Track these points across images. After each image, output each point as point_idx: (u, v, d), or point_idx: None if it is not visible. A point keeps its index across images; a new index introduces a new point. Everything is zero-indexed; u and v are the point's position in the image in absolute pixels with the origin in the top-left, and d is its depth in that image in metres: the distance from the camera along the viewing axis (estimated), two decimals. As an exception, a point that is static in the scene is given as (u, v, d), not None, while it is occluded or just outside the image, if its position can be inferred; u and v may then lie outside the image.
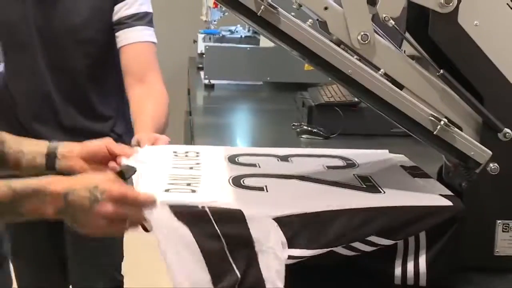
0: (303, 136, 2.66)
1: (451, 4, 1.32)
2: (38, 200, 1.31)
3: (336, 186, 1.48)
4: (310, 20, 1.41)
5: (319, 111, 2.70)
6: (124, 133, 2.51)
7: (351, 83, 1.35)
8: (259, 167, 1.65)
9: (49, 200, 1.31)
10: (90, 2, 2.36)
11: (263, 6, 1.27)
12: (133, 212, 1.29)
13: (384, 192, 1.45)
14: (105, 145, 1.62)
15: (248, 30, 4.10)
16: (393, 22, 1.37)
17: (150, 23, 2.39)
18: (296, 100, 3.08)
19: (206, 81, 3.75)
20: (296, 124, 2.74)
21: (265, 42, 3.71)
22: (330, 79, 1.64)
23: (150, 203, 1.26)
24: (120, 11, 2.35)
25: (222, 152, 1.75)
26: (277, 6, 1.30)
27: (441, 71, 1.35)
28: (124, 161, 1.56)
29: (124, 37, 2.35)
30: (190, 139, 2.75)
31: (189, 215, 1.24)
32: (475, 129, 1.41)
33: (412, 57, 1.45)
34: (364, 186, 1.49)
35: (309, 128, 2.67)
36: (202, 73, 3.86)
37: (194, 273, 1.25)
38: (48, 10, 2.35)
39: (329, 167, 1.67)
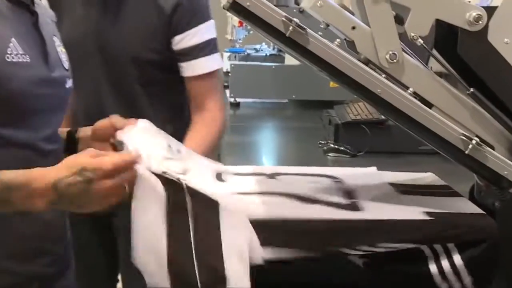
0: (330, 154, 2.64)
1: (480, 22, 1.30)
2: (26, 194, 1.32)
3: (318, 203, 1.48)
4: (338, 40, 1.40)
5: (346, 129, 2.68)
6: None
7: (380, 102, 1.33)
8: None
9: (37, 194, 1.31)
10: (150, 28, 2.32)
11: (291, 27, 1.26)
12: (127, 175, 1.31)
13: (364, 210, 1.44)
14: (111, 122, 1.60)
15: (273, 48, 4.11)
16: (422, 41, 1.35)
17: (214, 49, 2.34)
18: (322, 118, 3.06)
19: (232, 100, 3.74)
20: (322, 142, 2.72)
21: (290, 60, 3.71)
22: (356, 96, 1.63)
23: (138, 159, 1.32)
24: (183, 41, 2.30)
25: (211, 168, 1.71)
26: (305, 27, 1.28)
27: (471, 89, 1.33)
28: (120, 135, 1.54)
29: (188, 68, 2.33)
30: (217, 158, 2.74)
31: (166, 181, 1.28)
32: (507, 148, 1.38)
33: (439, 74, 1.43)
34: (348, 203, 1.48)
35: (336, 146, 2.65)
36: (227, 91, 3.84)
37: (152, 241, 1.29)
38: (108, 30, 2.36)
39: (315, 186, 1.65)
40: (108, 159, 1.33)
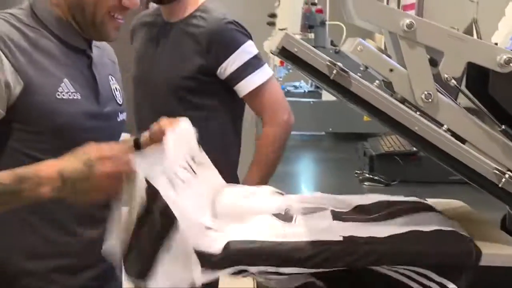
0: (365, 183, 2.64)
1: (511, 64, 1.28)
2: (35, 182, 1.33)
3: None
4: (377, 82, 1.39)
5: (380, 160, 2.67)
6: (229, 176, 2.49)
7: (417, 138, 1.32)
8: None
9: (45, 182, 1.33)
10: (196, 60, 2.39)
11: (335, 71, 1.26)
12: (125, 167, 1.35)
13: None
14: (159, 125, 1.57)
15: (311, 85, 4.12)
16: (455, 82, 1.34)
17: (256, 66, 2.40)
18: (357, 149, 3.05)
19: (275, 132, 3.74)
20: (358, 172, 2.72)
21: (327, 96, 3.72)
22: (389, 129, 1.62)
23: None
24: (226, 70, 2.38)
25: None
26: (347, 70, 1.28)
27: (503, 126, 1.31)
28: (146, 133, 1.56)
29: (239, 90, 2.41)
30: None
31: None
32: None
33: (468, 109, 1.41)
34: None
35: (371, 176, 2.64)
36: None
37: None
38: (155, 64, 2.49)
39: None
40: (108, 147, 1.39)
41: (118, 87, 1.77)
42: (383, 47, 1.56)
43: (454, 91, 1.43)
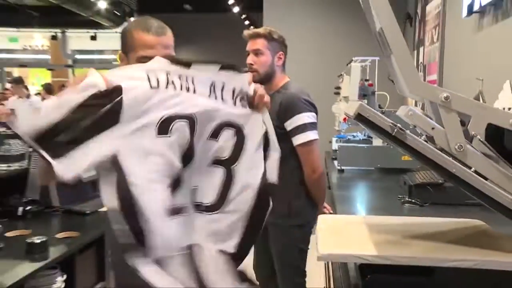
0: (405, 205, 2.59)
1: (519, 125, 1.26)
2: None
3: None
4: (424, 136, 1.38)
5: (416, 188, 2.62)
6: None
7: (453, 177, 1.31)
8: None
9: None
10: (274, 115, 2.33)
11: (396, 129, 1.26)
12: None
13: None
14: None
15: (364, 135, 4.10)
16: (479, 137, 1.32)
17: (305, 129, 2.43)
18: (399, 180, 2.99)
19: (339, 167, 3.74)
20: (400, 196, 2.67)
21: (376, 142, 3.71)
22: (420, 165, 1.60)
23: None
24: (289, 125, 2.44)
25: None
26: (404, 129, 1.28)
27: (516, 169, 1.28)
28: None
29: (294, 140, 2.45)
30: (331, 206, 2.74)
31: None
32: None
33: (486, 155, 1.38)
34: None
35: (409, 199, 2.59)
36: (335, 162, 3.87)
37: None
38: None
39: None
40: None
41: None
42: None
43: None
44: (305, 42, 5.73)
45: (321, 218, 1.73)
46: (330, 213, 2.63)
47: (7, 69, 16.11)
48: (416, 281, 1.37)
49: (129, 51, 1.52)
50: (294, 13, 5.90)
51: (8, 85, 12.38)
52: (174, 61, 1.38)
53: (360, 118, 1.27)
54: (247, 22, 9.62)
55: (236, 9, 9.07)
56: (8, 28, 14.27)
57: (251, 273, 1.50)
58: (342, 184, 3.44)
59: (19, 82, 8.02)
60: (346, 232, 1.54)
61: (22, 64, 15.80)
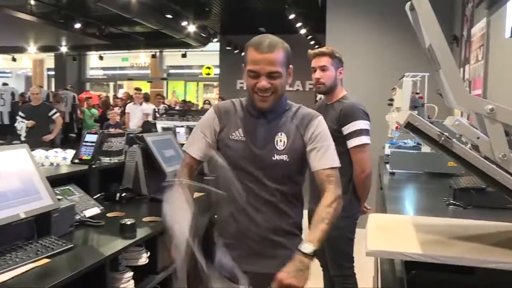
0: (450, 207, 2.40)
1: None
2: None
3: None
4: (469, 145, 1.26)
5: (460, 191, 2.43)
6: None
7: (497, 184, 1.18)
8: None
9: None
10: (334, 122, 2.46)
11: (443, 138, 1.14)
12: None
13: None
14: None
15: (414, 142, 3.90)
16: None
17: (358, 135, 2.45)
18: (445, 184, 2.80)
19: (390, 170, 3.56)
20: (445, 199, 2.49)
21: (425, 149, 3.51)
22: (464, 171, 1.46)
23: None
24: (347, 130, 2.46)
25: None
26: (451, 137, 1.16)
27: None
28: None
29: (348, 144, 2.49)
30: (381, 205, 2.62)
31: None
32: None
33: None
34: None
35: (454, 202, 2.41)
36: (387, 165, 3.69)
37: None
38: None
39: None
40: None
41: (282, 139, 1.58)
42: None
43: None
44: (363, 59, 5.58)
45: (371, 216, 1.63)
46: (368, 209, 2.69)
47: (119, 82, 16.93)
48: (457, 279, 1.25)
49: (245, 65, 1.57)
50: (353, 33, 5.78)
51: (119, 94, 12.95)
52: None
53: (409, 126, 1.18)
54: (312, 42, 9.51)
55: (303, 31, 9.00)
56: (121, 50, 15.00)
57: None
58: (393, 186, 3.27)
59: (140, 90, 8.39)
60: (393, 230, 1.44)
61: (130, 78, 16.55)
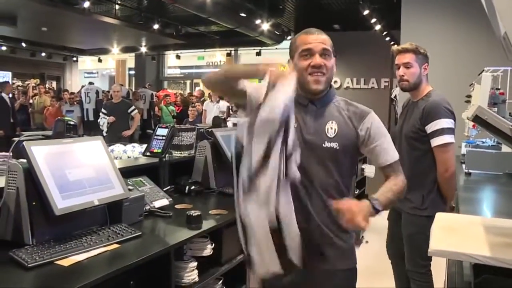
0: (532, 209, 2.24)
1: None
2: None
3: None
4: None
5: (543, 194, 2.25)
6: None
7: None
8: None
9: None
10: (417, 121, 2.48)
11: (515, 132, 1.06)
12: None
13: None
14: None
15: (493, 141, 3.65)
16: None
17: (440, 134, 2.42)
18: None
19: (466, 170, 3.37)
20: (527, 202, 2.32)
21: (505, 148, 3.27)
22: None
23: None
24: (430, 129, 2.44)
25: None
26: (523, 133, 1.07)
27: None
28: None
29: (431, 143, 2.46)
30: (456, 206, 2.48)
31: None
32: None
33: None
34: None
35: (536, 204, 2.24)
36: (463, 165, 3.49)
37: None
38: (405, 120, 2.58)
39: None
40: None
41: (333, 127, 1.57)
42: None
43: None
44: (439, 54, 5.31)
45: (438, 216, 1.55)
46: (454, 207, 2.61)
47: (195, 80, 17.46)
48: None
49: (294, 54, 1.59)
50: (429, 28, 5.54)
51: (195, 93, 13.36)
52: None
53: (478, 120, 1.10)
54: (387, 39, 9.22)
55: (377, 27, 8.75)
56: (197, 50, 15.47)
57: None
58: (468, 187, 3.09)
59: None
60: (461, 231, 1.35)
61: (205, 76, 16.96)
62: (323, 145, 1.55)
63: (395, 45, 2.66)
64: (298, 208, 1.50)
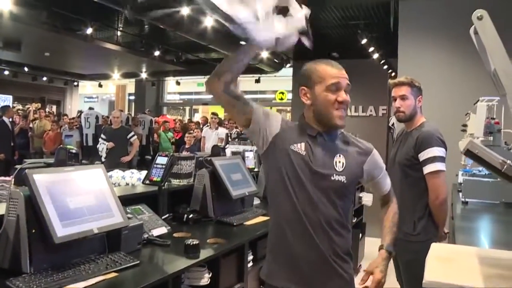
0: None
1: None
2: None
3: None
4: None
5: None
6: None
7: None
8: None
9: None
10: (411, 149, 2.55)
11: (506, 166, 1.09)
12: None
13: None
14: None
15: (490, 170, 3.68)
16: None
17: (431, 162, 2.48)
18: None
19: (463, 199, 3.39)
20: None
21: (502, 178, 3.29)
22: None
23: None
24: (422, 157, 2.51)
25: None
26: None
27: None
28: None
29: (423, 170, 2.52)
30: (452, 236, 2.49)
31: None
32: None
33: None
34: None
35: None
36: (460, 194, 3.51)
37: None
38: (398, 149, 2.66)
39: None
40: None
41: (340, 160, 1.61)
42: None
43: None
44: (435, 83, 5.40)
45: (433, 246, 1.57)
46: (447, 233, 2.66)
47: (194, 106, 17.58)
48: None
49: (315, 84, 1.60)
50: (425, 57, 5.63)
51: (195, 118, 13.45)
52: None
53: (469, 154, 1.13)
54: (385, 67, 9.35)
55: (375, 56, 8.88)
56: (197, 76, 15.65)
57: None
58: (465, 216, 3.10)
59: (217, 115, 8.82)
60: (455, 262, 1.37)
61: (205, 102, 17.12)
62: (332, 177, 1.57)
63: (391, 79, 2.78)
64: (304, 237, 1.53)
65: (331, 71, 1.59)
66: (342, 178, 1.58)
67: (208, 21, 7.57)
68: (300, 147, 1.59)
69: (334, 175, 1.58)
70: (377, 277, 1.57)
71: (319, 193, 1.56)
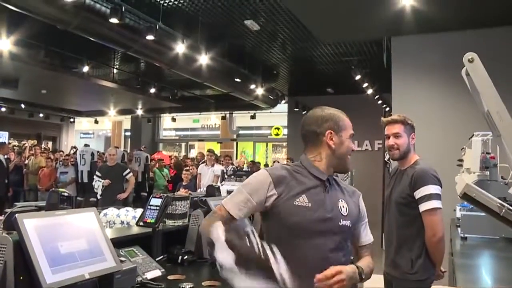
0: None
1: None
2: None
3: None
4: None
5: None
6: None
7: None
8: None
9: None
10: (406, 187, 2.51)
11: (504, 209, 1.08)
12: None
13: None
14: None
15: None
16: None
17: (428, 199, 2.41)
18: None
19: (462, 235, 3.35)
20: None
21: (500, 213, 3.27)
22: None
23: None
24: (418, 194, 2.45)
25: None
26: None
27: None
28: None
29: (419, 208, 2.45)
30: (452, 273, 2.44)
31: None
32: None
33: None
34: None
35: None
36: (459, 229, 3.47)
37: None
38: (393, 188, 2.62)
39: None
40: None
41: (344, 205, 1.63)
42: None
43: None
44: (429, 118, 5.45)
45: (434, 288, 1.53)
46: (444, 272, 2.59)
47: (190, 142, 17.64)
48: None
49: (342, 130, 1.67)
50: (419, 92, 5.70)
51: (191, 155, 13.45)
52: None
53: (466, 197, 1.12)
54: (379, 102, 9.45)
55: (369, 91, 8.99)
56: (193, 112, 15.77)
57: None
58: (465, 252, 3.07)
59: (213, 152, 8.77)
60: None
61: (201, 139, 17.18)
62: (339, 223, 1.58)
63: (384, 117, 2.79)
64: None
65: (348, 122, 1.71)
66: (347, 223, 1.61)
67: (203, 59, 7.67)
68: (304, 200, 1.58)
69: (342, 220, 1.60)
70: (338, 269, 1.46)
71: (330, 240, 1.56)
